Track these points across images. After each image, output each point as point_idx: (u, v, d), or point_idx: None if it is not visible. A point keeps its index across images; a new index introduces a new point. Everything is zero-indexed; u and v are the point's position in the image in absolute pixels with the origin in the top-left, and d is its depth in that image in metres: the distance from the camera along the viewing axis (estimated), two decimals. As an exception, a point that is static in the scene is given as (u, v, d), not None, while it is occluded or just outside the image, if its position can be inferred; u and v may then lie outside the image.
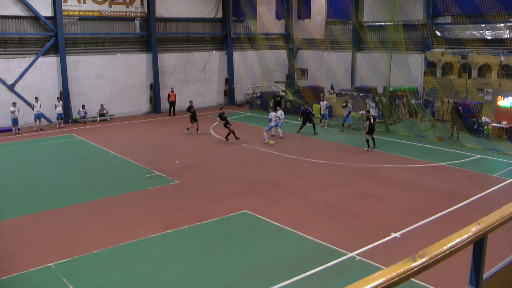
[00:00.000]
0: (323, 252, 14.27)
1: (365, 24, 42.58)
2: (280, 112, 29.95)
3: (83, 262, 13.63)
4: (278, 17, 48.04)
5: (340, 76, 43.93)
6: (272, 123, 29.38)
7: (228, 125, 29.01)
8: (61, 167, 24.15)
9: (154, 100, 40.30)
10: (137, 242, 14.99)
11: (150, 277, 12.77)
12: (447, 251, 2.69)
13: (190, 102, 32.87)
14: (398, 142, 28.93)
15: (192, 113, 31.54)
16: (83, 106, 35.98)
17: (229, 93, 44.94)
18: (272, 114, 29.49)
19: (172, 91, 39.60)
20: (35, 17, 34.48)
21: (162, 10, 40.40)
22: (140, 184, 21.11)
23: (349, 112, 31.12)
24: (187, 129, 31.76)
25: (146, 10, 39.40)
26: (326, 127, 33.48)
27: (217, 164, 24.38)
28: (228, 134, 29.09)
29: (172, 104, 39.56)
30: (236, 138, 28.95)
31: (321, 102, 34.35)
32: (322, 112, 33.83)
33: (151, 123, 36.33)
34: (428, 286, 11.80)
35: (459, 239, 2.80)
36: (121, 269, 13.26)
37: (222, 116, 29.03)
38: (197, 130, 31.73)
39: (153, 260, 13.74)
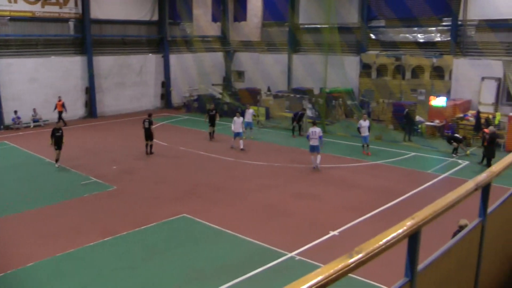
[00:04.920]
0: (263, 253, 14.38)
1: (301, 26, 43.08)
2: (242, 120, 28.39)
3: (17, 276, 13.20)
4: (214, 19, 47.94)
5: (276, 78, 44.18)
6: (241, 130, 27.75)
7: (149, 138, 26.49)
8: (-7, 176, 23.32)
9: (90, 104, 39.50)
10: (74, 251, 14.68)
11: (89, 287, 12.53)
12: (383, 246, 2.76)
13: (58, 123, 26.25)
14: (335, 142, 29.35)
15: (57, 137, 24.10)
16: (15, 112, 34.84)
17: (166, 96, 44.62)
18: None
19: (59, 100, 35.77)
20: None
21: (97, 11, 39.60)
22: (77, 191, 20.68)
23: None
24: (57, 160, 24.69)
25: (81, 11, 38.54)
26: (252, 137, 30.52)
27: (155, 168, 24.17)
28: (150, 147, 26.75)
29: (60, 114, 35.24)
30: (150, 152, 26.71)
31: (246, 110, 31.17)
32: (246, 120, 29.80)
33: (87, 128, 35.62)
34: (366, 280, 12.12)
35: (394, 234, 2.87)
36: (58, 281, 12.98)
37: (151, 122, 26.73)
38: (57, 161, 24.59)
39: (92, 270, 13.52)
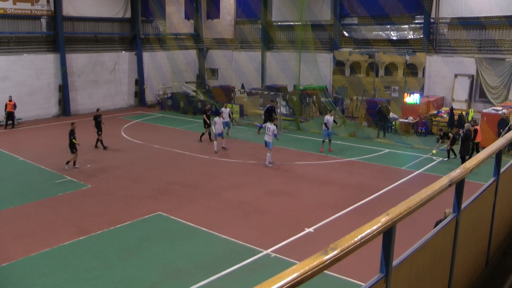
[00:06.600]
0: (238, 250, 14.39)
1: (274, 23, 43.16)
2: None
3: (-8, 275, 13.00)
4: (187, 17, 47.82)
5: (250, 75, 44.25)
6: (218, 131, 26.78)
7: (99, 132, 27.30)
8: (-36, 176, 22.90)
9: (63, 102, 39.04)
10: (49, 251, 14.54)
11: (64, 287, 12.45)
12: (358, 242, 2.78)
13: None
14: (309, 139, 29.46)
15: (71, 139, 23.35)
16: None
17: (139, 94, 44.30)
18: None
19: (10, 100, 34.00)
20: None
21: (69, 8, 39.13)
22: (51, 190, 20.44)
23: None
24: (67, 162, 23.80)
25: (53, 8, 37.99)
26: (228, 134, 30.09)
27: (130, 167, 24.02)
28: (97, 141, 27.64)
29: (10, 114, 34.07)
30: (104, 147, 27.49)
31: (223, 108, 30.42)
32: (223, 121, 28.44)
33: (61, 126, 35.08)
34: (341, 277, 12.19)
35: (369, 230, 2.89)
36: (32, 281, 12.82)
37: (97, 120, 27.35)
38: (68, 163, 23.75)
39: (67, 269, 13.40)
